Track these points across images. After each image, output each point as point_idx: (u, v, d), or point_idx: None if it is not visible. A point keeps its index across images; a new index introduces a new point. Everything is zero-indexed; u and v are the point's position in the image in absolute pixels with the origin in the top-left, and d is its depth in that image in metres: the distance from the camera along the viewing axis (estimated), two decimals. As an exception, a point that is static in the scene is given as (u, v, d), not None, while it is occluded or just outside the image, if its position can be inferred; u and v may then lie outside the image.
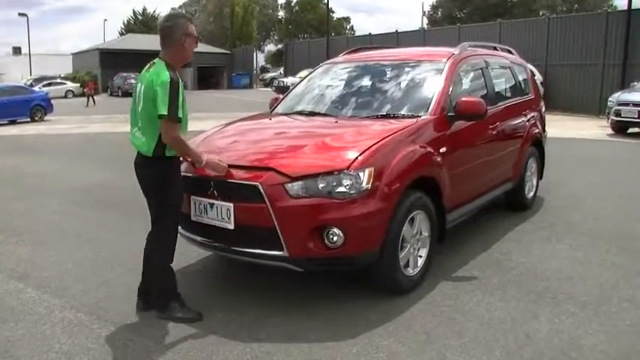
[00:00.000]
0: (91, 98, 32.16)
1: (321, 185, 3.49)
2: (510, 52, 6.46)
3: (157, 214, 3.64)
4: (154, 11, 67.20)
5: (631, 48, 19.09)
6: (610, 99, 14.62)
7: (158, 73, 3.36)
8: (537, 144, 6.39)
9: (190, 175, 3.82)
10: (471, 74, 5.14)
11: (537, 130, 6.35)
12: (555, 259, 4.72)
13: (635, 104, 13.55)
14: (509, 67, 6.09)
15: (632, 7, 19.16)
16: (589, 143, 12.65)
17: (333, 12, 62.11)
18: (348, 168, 3.52)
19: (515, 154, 5.80)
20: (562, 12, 49.78)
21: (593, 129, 15.46)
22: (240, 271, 4.48)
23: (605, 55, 20.05)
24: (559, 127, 14.26)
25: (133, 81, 41.32)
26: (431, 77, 4.75)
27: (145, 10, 66.50)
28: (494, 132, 5.17)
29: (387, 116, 4.38)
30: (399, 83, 4.86)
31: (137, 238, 5.31)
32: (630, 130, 14.24)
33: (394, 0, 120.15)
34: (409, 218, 3.85)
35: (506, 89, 5.85)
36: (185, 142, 3.50)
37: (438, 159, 4.15)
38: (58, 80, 45.16)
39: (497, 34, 23.68)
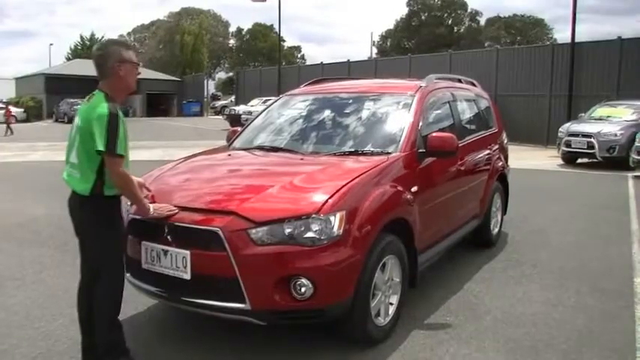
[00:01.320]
0: (8, 127, 28.32)
1: (287, 231, 3.17)
2: (473, 84, 6.33)
3: (98, 263, 3.24)
4: (102, 37, 65.72)
5: (575, 80, 19.59)
6: (560, 130, 14.86)
7: (95, 106, 3.06)
8: (502, 178, 6.25)
9: (141, 217, 3.43)
10: (439, 107, 4.94)
11: (502, 164, 6.22)
12: (529, 302, 4.51)
13: (585, 135, 13.81)
14: (474, 100, 5.95)
15: (576, 41, 19.71)
16: (543, 174, 12.74)
17: (284, 40, 62.27)
18: (317, 212, 3.21)
19: (482, 190, 5.63)
20: (506, 44, 51.42)
21: (544, 159, 15.67)
22: (195, 321, 4.08)
23: (552, 87, 20.52)
24: (511, 157, 14.27)
25: (79, 107, 40.21)
26: (399, 111, 4.52)
27: (92, 35, 65.05)
28: (462, 167, 4.97)
29: (354, 153, 4.10)
30: (366, 117, 4.61)
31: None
32: (579, 161, 14.49)
33: (344, 30, 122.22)
34: (381, 264, 3.56)
35: (472, 123, 5.70)
36: (132, 184, 3.17)
37: (410, 199, 3.89)
38: (0, 105, 43.49)
39: (448, 64, 24.02)
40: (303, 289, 3.15)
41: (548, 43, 39.19)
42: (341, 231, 3.21)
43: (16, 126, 36.49)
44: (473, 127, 5.67)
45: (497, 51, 23.68)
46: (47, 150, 19.32)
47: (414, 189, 3.98)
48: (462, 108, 5.47)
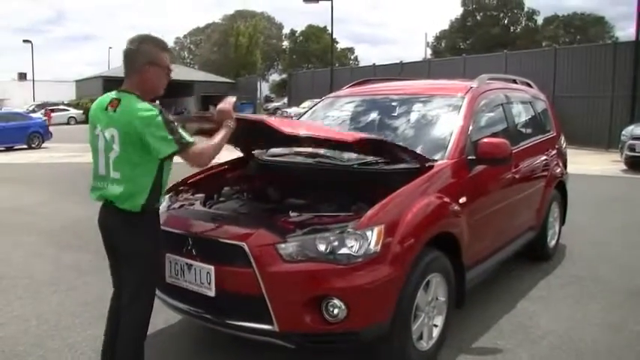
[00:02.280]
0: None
1: (320, 246, 2.89)
2: (529, 85, 5.90)
3: (139, 286, 2.92)
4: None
5: (639, 79, 18.59)
6: (623, 133, 14.05)
7: (134, 110, 2.71)
8: (560, 186, 5.79)
9: (166, 228, 3.20)
10: (491, 110, 4.56)
11: (560, 171, 5.77)
12: (589, 326, 4.08)
13: (650, 139, 13.00)
14: (530, 102, 5.52)
15: (640, 38, 18.72)
16: (604, 180, 12.04)
17: (337, 42, 62.18)
18: (353, 226, 2.93)
19: (538, 199, 5.20)
20: (565, 43, 49.75)
21: (605, 164, 14.85)
22: (223, 341, 3.84)
23: (614, 87, 19.53)
24: (569, 162, 13.62)
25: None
26: (447, 114, 4.17)
27: (149, 38, 66.46)
28: (516, 176, 4.58)
29: (395, 160, 3.76)
30: (411, 121, 4.28)
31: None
32: (645, 166, 13.65)
33: (397, 31, 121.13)
34: (424, 283, 3.24)
35: (527, 126, 5.28)
36: (214, 145, 2.85)
37: (458, 211, 3.55)
38: (61, 107, 44.91)
39: (503, 64, 23.22)
40: (335, 311, 2.87)
41: (608, 41, 37.72)
42: (379, 247, 2.90)
43: (73, 127, 37.74)
44: (528, 131, 5.26)
45: (556, 50, 22.74)
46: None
47: (463, 200, 3.64)
48: (517, 111, 5.06)
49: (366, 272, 2.87)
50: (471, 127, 4.00)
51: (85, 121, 36.34)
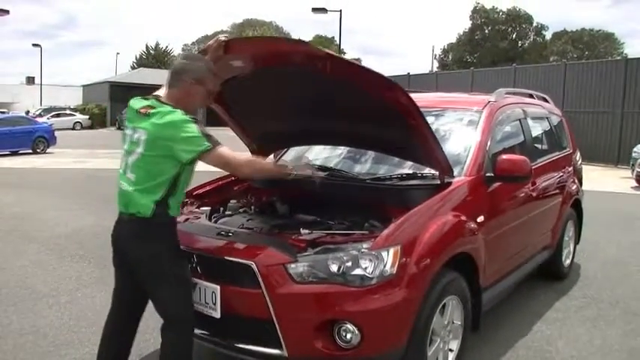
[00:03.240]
0: None
1: (332, 267, 2.74)
2: (546, 100, 5.75)
3: (166, 308, 2.79)
4: (167, 46, 67.49)
5: (651, 96, 18.44)
6: (635, 150, 13.92)
7: (169, 114, 2.69)
8: (576, 204, 5.63)
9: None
10: (509, 126, 4.41)
11: (575, 188, 5.60)
12: (610, 352, 3.91)
13: (663, 156, 12.82)
14: (547, 118, 5.38)
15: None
16: (615, 197, 11.84)
17: (344, 53, 62.13)
18: (368, 246, 2.77)
19: (554, 218, 5.04)
20: (573, 59, 49.56)
21: (615, 180, 14.65)
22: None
23: (624, 103, 19.36)
24: (580, 177, 13.47)
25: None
26: (464, 128, 4.02)
27: (157, 45, 66.72)
28: (533, 194, 4.42)
29: (412, 176, 3.62)
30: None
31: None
32: (655, 183, 13.45)
33: (405, 43, 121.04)
34: (440, 306, 3.08)
35: (544, 143, 5.13)
36: (258, 160, 2.94)
37: (476, 231, 3.39)
38: (67, 112, 45.01)
39: (512, 78, 23.08)
40: (348, 336, 2.71)
41: (619, 57, 37.53)
42: (395, 269, 2.74)
43: (79, 132, 37.78)
44: (546, 147, 5.11)
45: (565, 65, 22.55)
46: (106, 157, 19.59)
47: (480, 219, 3.48)
48: (534, 126, 4.91)
49: (381, 295, 2.71)
50: (489, 143, 3.85)
51: (91, 127, 36.37)
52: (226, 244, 2.93)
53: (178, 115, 2.68)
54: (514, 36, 60.72)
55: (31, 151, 21.03)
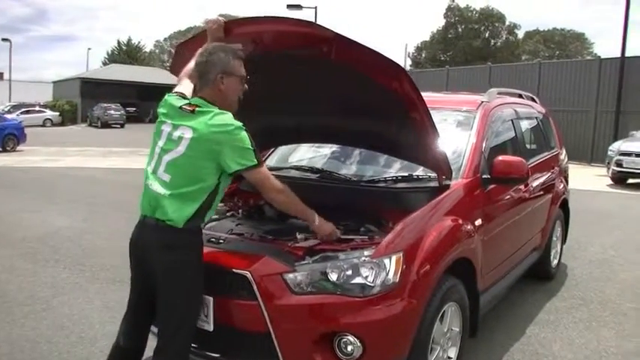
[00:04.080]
0: None
1: (332, 276, 2.60)
2: (534, 99, 5.69)
3: (173, 322, 2.57)
4: (139, 42, 66.61)
5: (624, 95, 18.69)
6: (610, 148, 14.04)
7: (219, 117, 2.53)
8: (563, 204, 5.59)
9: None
10: (503, 126, 4.31)
11: (563, 188, 5.57)
12: (606, 355, 3.86)
13: (638, 154, 12.95)
14: (537, 117, 5.32)
15: (626, 55, 18.81)
16: (593, 195, 11.92)
17: (318, 49, 61.78)
18: (369, 253, 2.65)
19: (543, 219, 4.99)
20: (545, 58, 50.12)
21: (591, 178, 14.78)
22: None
23: (598, 102, 19.62)
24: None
25: (113, 112, 40.68)
26: (458, 130, 3.90)
27: (129, 40, 65.80)
28: (526, 195, 4.35)
29: (408, 178, 3.49)
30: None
31: (95, 308, 4.34)
32: (631, 181, 13.61)
33: (378, 41, 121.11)
34: (440, 313, 2.97)
35: (536, 143, 5.07)
36: (295, 197, 2.72)
37: (474, 234, 3.29)
38: (37, 108, 44.06)
39: (487, 77, 23.26)
40: (349, 348, 2.58)
41: (588, 57, 38.09)
42: (397, 277, 2.62)
43: (49, 129, 37.00)
44: (537, 147, 5.06)
45: (540, 64, 22.80)
46: (78, 155, 19.19)
47: (478, 222, 3.38)
48: (526, 126, 4.85)
49: (384, 305, 2.58)
50: (484, 144, 3.75)
51: (61, 123, 35.56)
52: (218, 252, 2.77)
53: (230, 118, 2.52)
54: (487, 35, 61.19)
55: (0, 149, 20.47)
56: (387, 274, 2.60)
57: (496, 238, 3.73)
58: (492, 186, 3.65)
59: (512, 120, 4.51)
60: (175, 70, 3.18)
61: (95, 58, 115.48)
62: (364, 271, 2.60)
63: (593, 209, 9.81)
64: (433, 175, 3.32)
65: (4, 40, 51.52)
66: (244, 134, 2.50)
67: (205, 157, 2.49)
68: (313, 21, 2.72)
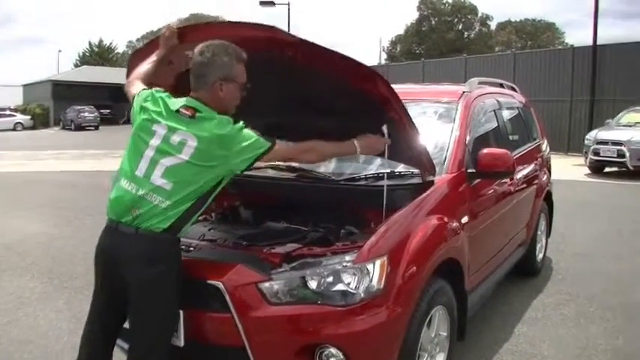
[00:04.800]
0: None
1: (312, 284, 2.41)
2: (514, 89, 5.55)
3: (151, 335, 2.38)
4: (110, 43, 65.54)
5: (597, 83, 18.77)
6: (587, 137, 14.04)
7: (222, 123, 2.38)
8: (547, 197, 5.46)
9: None
10: (485, 117, 4.15)
11: (546, 180, 5.44)
12: (596, 353, 3.72)
13: (615, 143, 12.96)
14: (518, 108, 5.17)
15: (597, 43, 18.89)
16: (571, 185, 11.87)
17: (293, 45, 61.44)
18: (351, 258, 2.46)
19: (528, 213, 4.85)
20: (517, 48, 50.41)
21: (569, 168, 14.77)
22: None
23: (573, 91, 19.68)
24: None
25: (86, 114, 39.94)
26: (440, 122, 3.73)
27: (101, 41, 64.65)
28: (511, 188, 4.19)
29: (390, 175, 3.26)
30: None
31: (63, 319, 4.04)
32: (607, 170, 13.64)
33: (352, 35, 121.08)
34: (428, 318, 2.79)
35: (519, 134, 4.92)
36: (321, 143, 2.65)
37: (461, 233, 3.11)
38: (7, 112, 43.12)
39: (463, 68, 23.21)
40: (332, 361, 2.39)
41: (560, 47, 38.35)
42: (382, 283, 2.43)
43: (20, 134, 36.25)
44: (520, 138, 4.90)
45: (515, 55, 22.85)
46: (50, 159, 18.73)
47: (465, 219, 3.21)
48: (508, 117, 4.69)
49: (368, 314, 2.39)
50: (467, 137, 3.58)
51: (33, 127, 34.87)
52: (188, 261, 2.55)
53: (231, 122, 2.40)
54: (460, 27, 61.50)
55: (-34, 155, 19.95)
56: (371, 281, 2.42)
57: (482, 236, 3.57)
58: (477, 180, 3.49)
59: (494, 110, 4.35)
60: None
61: (66, 61, 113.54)
62: (346, 278, 2.42)
63: (574, 199, 9.74)
64: (416, 171, 3.14)
65: (-30, 42, 50.21)
66: (246, 132, 2.40)
67: (211, 166, 2.36)
68: (274, 25, 2.55)
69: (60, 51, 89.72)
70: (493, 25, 63.07)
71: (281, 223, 3.13)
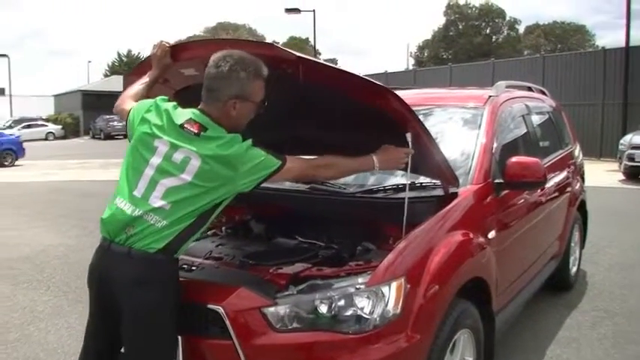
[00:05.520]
0: None
1: (322, 308, 2.19)
2: (544, 92, 5.26)
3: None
4: (139, 53, 66.27)
5: (630, 86, 18.20)
6: (621, 142, 13.57)
7: (233, 143, 2.18)
8: (581, 206, 5.16)
9: None
10: (513, 123, 3.88)
11: (580, 188, 5.13)
12: (638, 377, 3.43)
13: (651, 147, 12.48)
14: (548, 112, 4.89)
15: (630, 45, 18.34)
16: (604, 192, 11.41)
17: (319, 53, 61.55)
18: (365, 280, 2.23)
19: (561, 224, 4.55)
20: (547, 51, 49.64)
21: (601, 174, 14.26)
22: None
23: (605, 95, 19.13)
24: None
25: (115, 123, 40.37)
26: (465, 129, 3.49)
27: (129, 52, 65.55)
28: (542, 199, 3.92)
29: (410, 187, 3.01)
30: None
31: (75, 335, 3.98)
32: (644, 176, 13.13)
33: (379, 41, 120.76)
34: (451, 344, 2.55)
35: (550, 140, 4.63)
36: (338, 159, 2.45)
37: (488, 250, 2.87)
38: (39, 122, 43.84)
39: (491, 73, 22.74)
40: (343, 395, 2.16)
41: (590, 49, 37.48)
42: (399, 308, 2.20)
43: (52, 143, 36.79)
44: (552, 145, 4.60)
45: (544, 58, 22.33)
46: (77, 168, 18.87)
47: (492, 234, 2.96)
48: (538, 122, 4.41)
49: (384, 343, 2.16)
50: (494, 144, 3.33)
51: (64, 137, 35.46)
52: (188, 282, 2.35)
53: (240, 141, 2.19)
54: (488, 31, 60.85)
55: (-2, 164, 20.24)
56: (387, 305, 2.19)
57: (511, 251, 3.31)
58: (505, 192, 3.24)
59: (523, 116, 4.08)
60: None
61: (96, 71, 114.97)
62: (359, 302, 2.19)
63: (608, 207, 9.33)
64: (438, 182, 2.91)
65: (1, 55, 51.21)
66: (254, 151, 2.20)
67: (215, 187, 2.17)
68: (272, 42, 2.37)
69: (90, 62, 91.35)
70: (521, 28, 62.21)
71: (293, 239, 2.92)
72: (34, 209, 10.36)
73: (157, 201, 2.14)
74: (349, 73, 2.34)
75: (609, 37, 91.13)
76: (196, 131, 2.18)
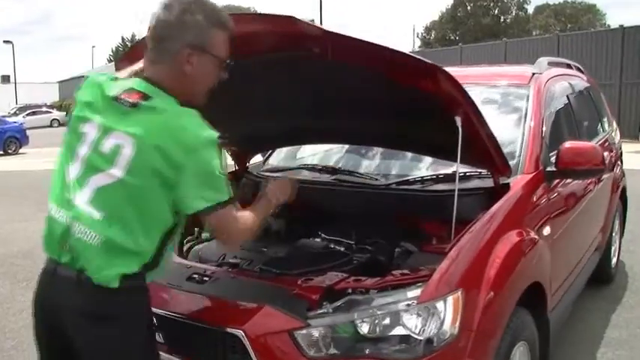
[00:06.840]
0: None
1: (363, 329, 1.82)
2: (581, 70, 4.83)
3: None
4: (143, 38, 65.84)
5: (649, 65, 17.68)
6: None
7: (184, 119, 1.63)
8: (622, 193, 4.76)
9: None
10: (559, 104, 3.47)
11: (620, 174, 4.75)
12: None
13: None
14: (589, 91, 4.47)
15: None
16: (630, 175, 10.94)
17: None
18: (414, 295, 1.86)
19: (604, 213, 4.15)
20: (558, 32, 48.81)
21: (624, 156, 13.78)
22: None
23: (622, 74, 18.58)
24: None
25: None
26: (509, 110, 3.09)
27: (133, 36, 64.91)
28: (590, 187, 3.53)
29: (454, 177, 2.64)
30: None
31: None
32: (667, 156, 12.67)
33: (385, 22, 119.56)
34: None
35: (593, 122, 4.23)
36: (253, 216, 1.84)
37: (545, 250, 2.48)
38: (44, 109, 43.57)
39: (503, 53, 22.21)
40: None
41: (601, 28, 36.72)
42: (456, 327, 1.83)
43: (56, 130, 36.47)
44: (595, 127, 4.22)
45: (559, 37, 21.73)
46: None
47: (547, 231, 2.58)
48: (582, 103, 4.00)
49: (440, 368, 1.79)
50: (543, 128, 2.92)
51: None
52: (199, 300, 1.98)
53: (199, 122, 1.64)
54: (496, 11, 59.94)
55: (2, 152, 19.96)
56: (442, 324, 1.81)
57: (563, 246, 2.93)
58: (556, 181, 2.85)
59: (567, 95, 3.66)
60: None
61: (100, 56, 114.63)
62: (409, 321, 1.81)
63: (635, 190, 8.89)
64: (484, 172, 2.52)
65: (5, 42, 50.88)
66: (216, 152, 1.65)
67: (155, 185, 1.60)
68: (293, 15, 1.89)
69: (94, 47, 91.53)
70: (530, 8, 61.22)
71: (318, 238, 2.53)
72: (35, 200, 9.99)
73: (88, 207, 1.63)
74: (391, 49, 1.93)
75: (622, 15, 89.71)
76: (133, 101, 1.64)
